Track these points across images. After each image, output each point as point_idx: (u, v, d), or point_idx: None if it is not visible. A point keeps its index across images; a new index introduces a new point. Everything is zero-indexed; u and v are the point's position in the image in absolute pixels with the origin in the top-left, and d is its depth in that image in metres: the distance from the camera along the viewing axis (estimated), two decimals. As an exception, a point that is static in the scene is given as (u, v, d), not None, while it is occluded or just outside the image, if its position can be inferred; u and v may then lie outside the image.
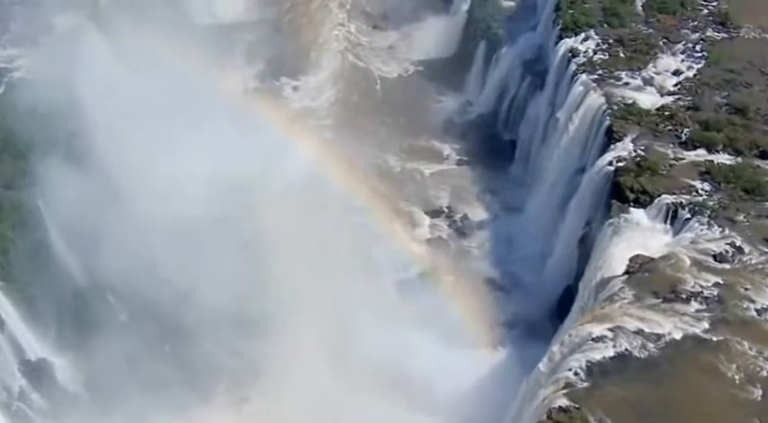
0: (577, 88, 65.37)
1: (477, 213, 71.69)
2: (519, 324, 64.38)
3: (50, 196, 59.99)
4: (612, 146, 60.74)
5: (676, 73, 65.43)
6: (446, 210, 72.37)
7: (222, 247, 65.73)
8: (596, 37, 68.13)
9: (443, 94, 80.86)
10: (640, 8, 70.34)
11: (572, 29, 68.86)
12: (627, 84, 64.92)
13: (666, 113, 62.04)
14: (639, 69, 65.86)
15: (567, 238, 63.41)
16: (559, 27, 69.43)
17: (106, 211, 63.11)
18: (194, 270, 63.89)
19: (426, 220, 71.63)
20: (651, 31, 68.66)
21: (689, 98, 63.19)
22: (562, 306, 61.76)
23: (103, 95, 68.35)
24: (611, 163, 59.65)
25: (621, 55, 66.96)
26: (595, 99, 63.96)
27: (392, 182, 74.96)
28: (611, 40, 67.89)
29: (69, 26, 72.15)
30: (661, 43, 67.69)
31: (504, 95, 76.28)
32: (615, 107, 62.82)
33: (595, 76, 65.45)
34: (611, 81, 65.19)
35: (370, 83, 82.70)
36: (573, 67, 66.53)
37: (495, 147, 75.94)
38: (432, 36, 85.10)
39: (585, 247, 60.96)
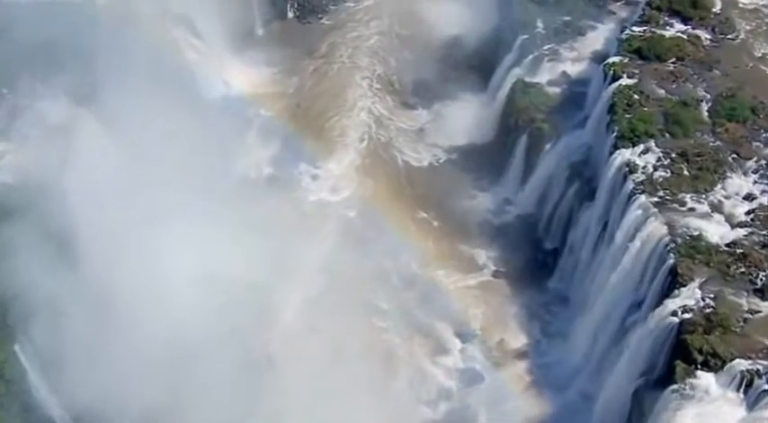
0: (635, 212, 57.60)
1: (515, 339, 64.05)
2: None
3: (28, 336, 52.53)
4: (677, 291, 53.26)
5: (748, 198, 57.71)
6: (480, 332, 64.64)
7: (224, 366, 58.95)
8: (657, 149, 60.06)
9: (478, 188, 72.85)
10: (706, 114, 62.12)
11: (629, 138, 60.77)
12: (692, 210, 57.11)
13: (739, 251, 54.47)
14: (706, 191, 58.02)
15: (619, 387, 56.19)
16: (614, 135, 61.15)
17: (95, 338, 56.71)
18: (192, 394, 57.19)
19: (457, 345, 64.10)
20: (719, 143, 60.53)
21: (764, 232, 55.54)
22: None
23: (98, 197, 60.89)
24: (675, 313, 52.13)
25: (686, 172, 58.99)
26: (656, 228, 56.28)
27: (418, 293, 67.31)
28: (673, 154, 59.85)
29: (62, 116, 63.87)
30: (730, 159, 59.69)
31: (546, 198, 68.27)
32: (679, 240, 55.24)
33: (656, 199, 57.67)
34: (674, 205, 57.40)
35: (397, 173, 74.75)
36: (630, 184, 58.63)
37: (536, 256, 68.14)
38: (466, 119, 76.95)
39: (640, 402, 53.66)
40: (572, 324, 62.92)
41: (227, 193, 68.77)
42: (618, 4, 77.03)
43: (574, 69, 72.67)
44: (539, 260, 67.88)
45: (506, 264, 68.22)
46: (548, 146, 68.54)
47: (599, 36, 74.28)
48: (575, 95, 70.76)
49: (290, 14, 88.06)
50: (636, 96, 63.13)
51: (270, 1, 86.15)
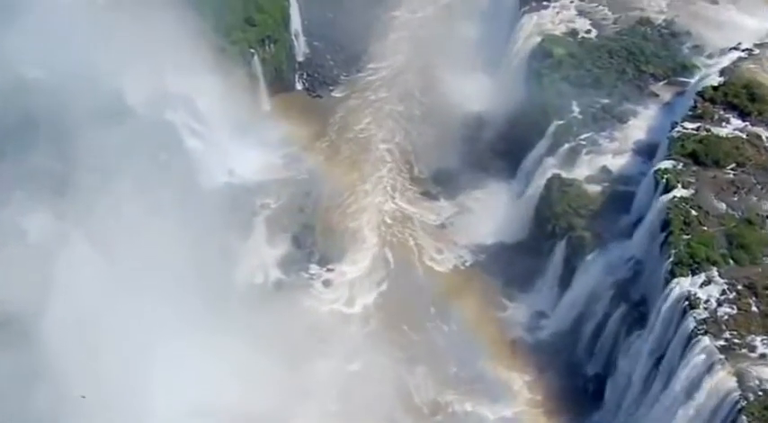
0: (698, 356, 50.66)
1: (555, 486, 56.68)
2: None
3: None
4: (752, 463, 45.81)
5: (827, 342, 50.29)
6: (515, 478, 57.35)
7: None
8: (720, 280, 53.02)
9: (509, 297, 65.71)
10: (773, 234, 54.87)
11: (688, 265, 53.52)
12: (763, 356, 50.12)
13: (822, 409, 47.11)
14: (778, 334, 50.73)
15: None
16: (671, 260, 53.77)
17: None
18: None
19: (488, 495, 56.73)
20: (790, 272, 53.26)
21: None
22: None
23: (83, 326, 53.90)
24: (752, 491, 44.86)
25: (754, 308, 51.97)
26: (723, 379, 49.42)
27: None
28: (739, 286, 52.86)
29: (46, 231, 56.45)
30: (805, 294, 52.34)
31: (587, 317, 61.14)
32: (751, 396, 48.57)
33: (722, 342, 50.37)
34: (743, 351, 50.43)
35: (418, 278, 67.61)
36: (691, 323, 51.52)
37: (576, 382, 61.09)
38: (493, 214, 69.87)
39: None
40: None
41: (230, 305, 62.10)
42: (660, 84, 70.10)
43: (616, 164, 65.57)
44: (579, 387, 60.90)
45: (543, 390, 61.27)
46: (589, 256, 61.25)
47: (642, 124, 67.23)
48: (618, 196, 63.62)
49: (299, 86, 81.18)
50: (694, 212, 56.00)
51: (276, 73, 78.77)
